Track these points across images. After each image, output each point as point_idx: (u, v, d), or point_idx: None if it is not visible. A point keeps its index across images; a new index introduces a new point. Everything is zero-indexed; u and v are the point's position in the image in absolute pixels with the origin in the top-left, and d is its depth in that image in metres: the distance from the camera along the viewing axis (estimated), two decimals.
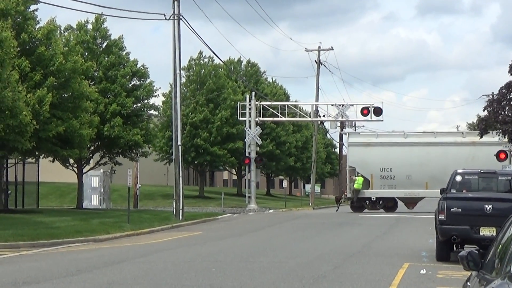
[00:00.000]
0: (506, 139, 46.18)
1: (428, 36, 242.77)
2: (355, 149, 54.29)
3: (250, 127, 58.54)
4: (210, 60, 71.46)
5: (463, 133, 55.08)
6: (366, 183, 53.52)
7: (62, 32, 48.04)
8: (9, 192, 42.66)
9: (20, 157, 43.28)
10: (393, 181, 53.24)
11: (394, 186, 53.18)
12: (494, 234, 19.04)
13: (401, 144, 53.64)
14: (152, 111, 56.05)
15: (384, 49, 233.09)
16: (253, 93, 62.14)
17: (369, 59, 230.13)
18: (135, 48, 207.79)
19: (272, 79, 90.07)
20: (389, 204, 53.60)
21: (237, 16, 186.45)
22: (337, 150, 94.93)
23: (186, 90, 68.71)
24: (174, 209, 40.95)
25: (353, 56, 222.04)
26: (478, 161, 49.10)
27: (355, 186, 53.08)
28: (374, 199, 53.39)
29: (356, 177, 53.35)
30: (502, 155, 49.37)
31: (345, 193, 56.08)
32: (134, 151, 50.60)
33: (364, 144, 54.16)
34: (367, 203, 53.65)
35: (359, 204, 53.58)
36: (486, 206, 20.29)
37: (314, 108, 64.09)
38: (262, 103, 61.94)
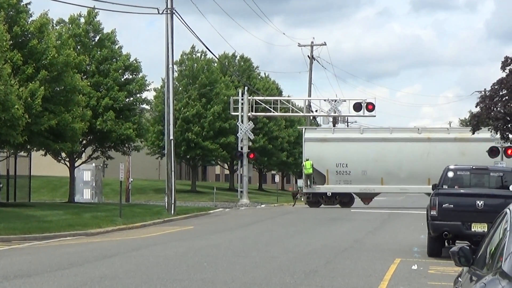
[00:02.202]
0: (498, 135, 46.31)
1: (423, 32, 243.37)
2: (311, 145, 53.82)
3: (242, 122, 58.45)
4: (203, 54, 71.47)
5: (418, 129, 54.84)
6: (322, 178, 53.42)
7: (54, 25, 47.92)
8: (1, 185, 42.59)
9: (12, 151, 43.18)
10: (348, 177, 52.84)
11: (349, 182, 52.77)
12: (486, 230, 19.06)
13: (357, 139, 53.35)
14: (144, 105, 56.01)
15: (378, 44, 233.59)
16: (246, 88, 62.06)
17: (363, 55, 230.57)
18: (129, 43, 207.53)
19: (264, 74, 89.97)
20: (345, 200, 53.15)
21: (231, 11, 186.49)
22: None
23: (178, 84, 68.63)
24: (166, 204, 40.96)
25: (348, 52, 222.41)
26: (433, 157, 49.35)
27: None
28: (330, 194, 52.96)
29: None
30: (494, 152, 49.43)
31: (301, 188, 55.43)
32: (126, 145, 50.57)
33: (320, 140, 53.78)
34: (323, 198, 53.30)
35: (315, 199, 53.16)
36: (478, 202, 20.31)
37: (306, 103, 64.12)
38: (254, 98, 61.86)
